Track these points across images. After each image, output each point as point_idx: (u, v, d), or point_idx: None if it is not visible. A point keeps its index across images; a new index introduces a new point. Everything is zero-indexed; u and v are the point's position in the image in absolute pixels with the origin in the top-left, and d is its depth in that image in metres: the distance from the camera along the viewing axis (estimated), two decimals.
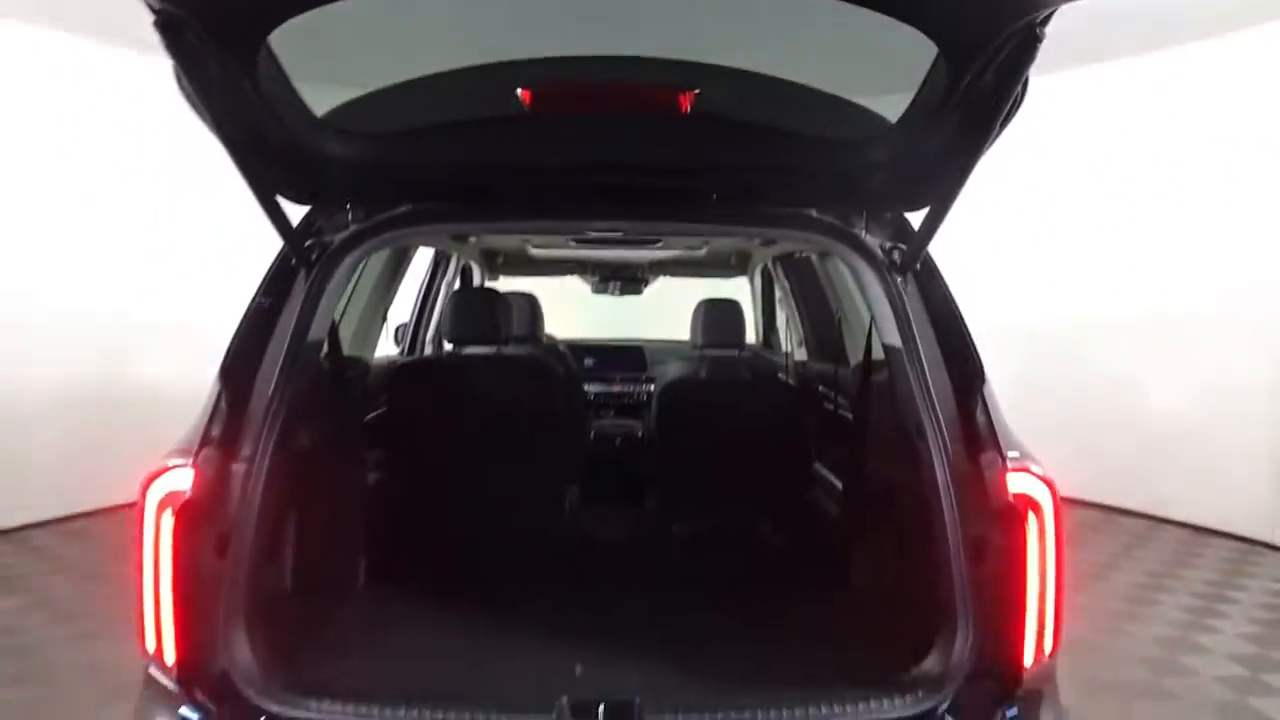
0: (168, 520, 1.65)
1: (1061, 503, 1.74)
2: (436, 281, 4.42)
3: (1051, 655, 1.73)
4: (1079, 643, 4.09)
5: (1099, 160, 6.78)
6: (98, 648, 4.00)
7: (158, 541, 1.65)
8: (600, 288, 4.81)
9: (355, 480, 2.54)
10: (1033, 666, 1.69)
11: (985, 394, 1.80)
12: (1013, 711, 1.67)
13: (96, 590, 4.83)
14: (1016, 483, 1.69)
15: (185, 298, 6.65)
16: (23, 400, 5.91)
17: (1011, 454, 1.73)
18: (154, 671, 1.72)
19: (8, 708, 3.42)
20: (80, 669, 3.76)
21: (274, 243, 1.97)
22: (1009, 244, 7.26)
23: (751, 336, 5.03)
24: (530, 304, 3.94)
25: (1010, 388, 7.33)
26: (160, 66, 1.48)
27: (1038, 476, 1.73)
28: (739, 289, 5.24)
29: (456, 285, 4.57)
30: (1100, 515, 6.69)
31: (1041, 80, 1.90)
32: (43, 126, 6.01)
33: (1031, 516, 1.68)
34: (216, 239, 6.37)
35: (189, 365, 6.59)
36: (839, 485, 2.73)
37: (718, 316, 2.92)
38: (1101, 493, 6.87)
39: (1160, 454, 6.43)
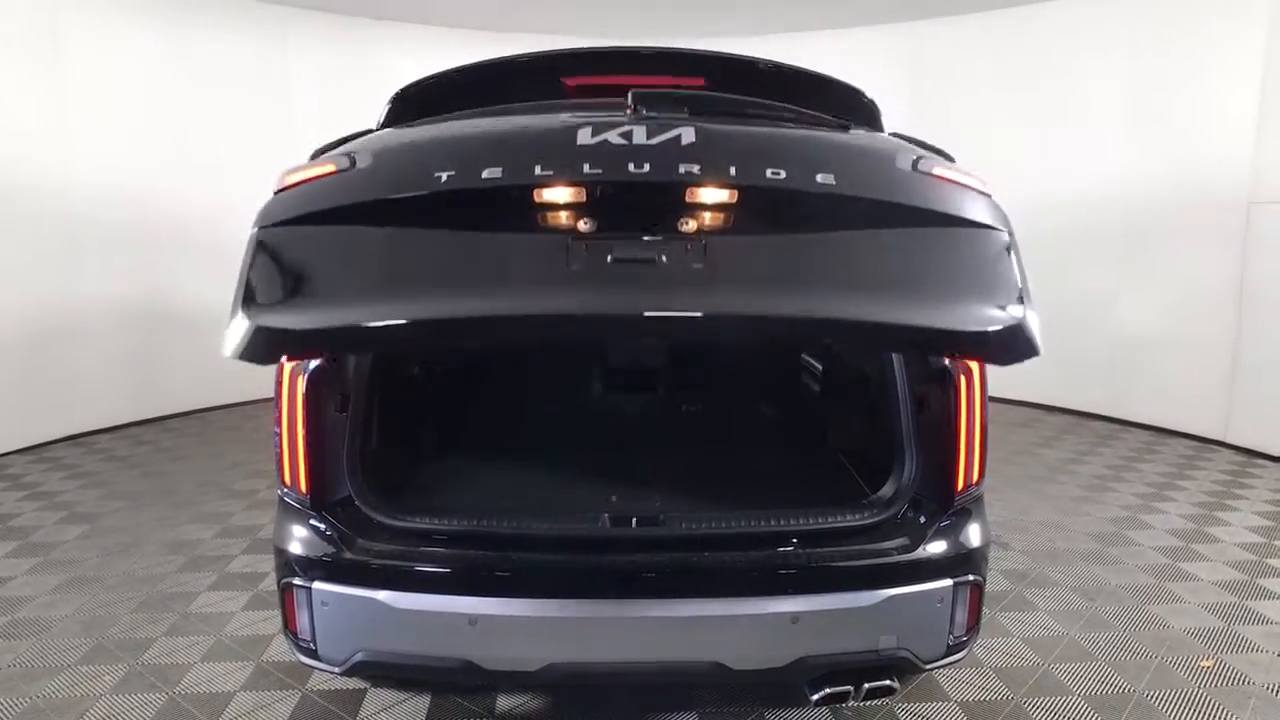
0: (301, 383, 2.15)
1: (985, 368, 2.23)
2: None
3: (977, 483, 2.25)
4: (1042, 522, 4.68)
5: (1080, 77, 7.13)
6: (177, 530, 4.59)
7: (294, 399, 2.16)
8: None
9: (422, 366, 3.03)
10: (962, 491, 2.21)
11: None
12: (946, 522, 2.20)
13: (160, 485, 5.41)
14: None
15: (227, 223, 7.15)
16: (77, 316, 6.42)
17: None
18: (287, 498, 2.24)
19: (112, 571, 4.00)
20: (163, 544, 4.34)
21: None
22: (986, 161, 7.67)
23: None
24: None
25: None
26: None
27: None
28: None
29: None
30: (1072, 420, 7.25)
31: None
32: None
33: (963, 378, 2.17)
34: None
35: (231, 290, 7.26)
36: (820, 368, 3.22)
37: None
38: (1073, 400, 7.43)
39: (1126, 362, 6.97)
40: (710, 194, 1.77)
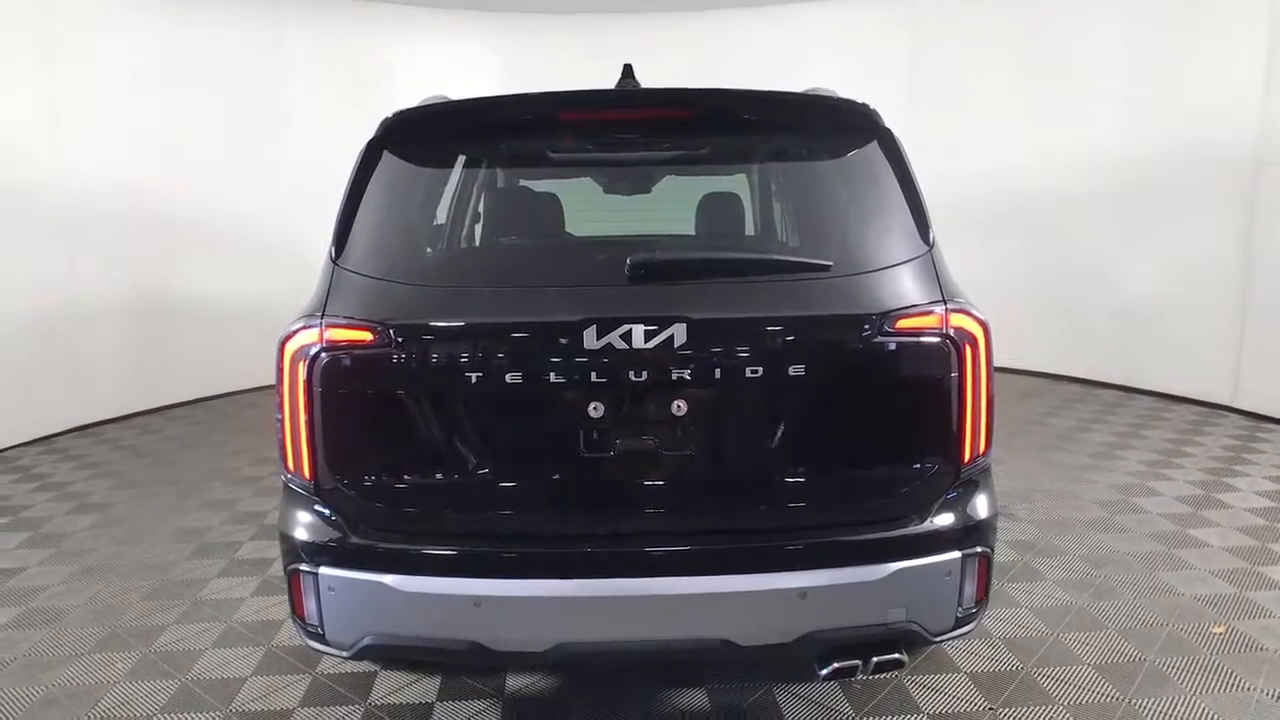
0: (303, 369, 2.13)
1: (989, 335, 2.20)
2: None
3: (984, 454, 2.23)
4: (1050, 491, 4.67)
5: (1081, 36, 7.04)
6: (184, 519, 4.61)
7: (295, 385, 2.14)
8: (611, 188, 5.19)
9: None
10: (969, 462, 2.20)
11: (934, 254, 2.25)
12: (953, 494, 2.19)
13: (168, 473, 5.42)
14: (957, 321, 2.16)
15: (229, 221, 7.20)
16: (82, 308, 6.42)
17: (956, 301, 2.18)
18: (292, 484, 2.24)
19: (123, 560, 4.02)
20: (172, 532, 4.36)
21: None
22: (985, 124, 7.66)
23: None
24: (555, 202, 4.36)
25: (1000, 270, 7.82)
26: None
27: (974, 318, 2.18)
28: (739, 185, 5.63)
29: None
30: (1081, 389, 7.22)
31: None
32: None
33: (967, 347, 2.15)
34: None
35: (229, 279, 7.22)
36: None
37: (717, 207, 3.12)
38: (1081, 368, 7.40)
39: (1132, 328, 6.93)
40: (697, 392, 2.08)
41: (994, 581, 3.50)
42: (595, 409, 2.06)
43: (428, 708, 2.74)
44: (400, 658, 2.16)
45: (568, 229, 2.71)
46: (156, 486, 5.14)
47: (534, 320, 2.07)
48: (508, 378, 2.04)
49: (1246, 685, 2.81)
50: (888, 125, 2.41)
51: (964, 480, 2.21)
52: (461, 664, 2.50)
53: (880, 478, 2.16)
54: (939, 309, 2.13)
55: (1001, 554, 3.89)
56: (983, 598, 2.23)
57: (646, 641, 2.10)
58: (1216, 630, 3.18)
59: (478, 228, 2.44)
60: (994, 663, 2.98)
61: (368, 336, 2.09)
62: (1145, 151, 6.64)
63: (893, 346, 2.10)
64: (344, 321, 2.11)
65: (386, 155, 2.33)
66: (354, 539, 2.13)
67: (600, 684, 2.87)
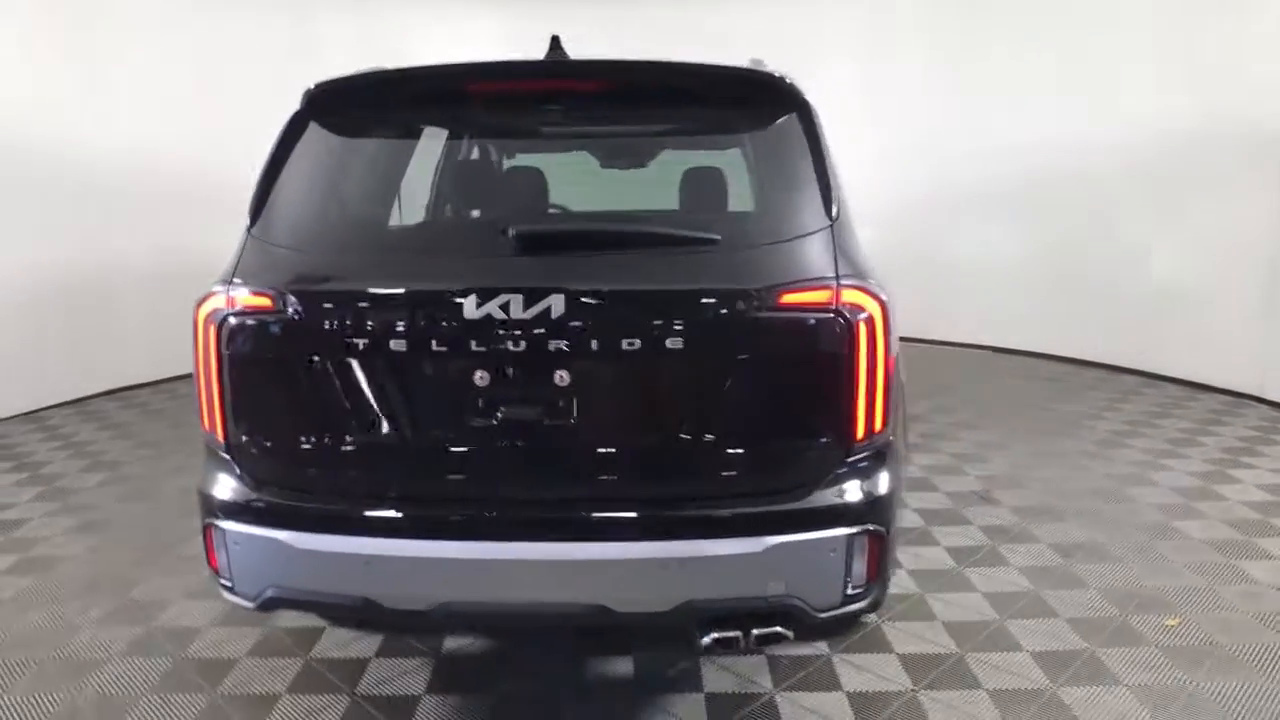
0: (213, 331, 2.23)
1: (888, 313, 2.18)
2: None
3: (880, 431, 2.21)
4: (1043, 479, 4.58)
5: (1105, 10, 6.78)
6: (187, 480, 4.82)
7: (208, 346, 2.24)
8: (608, 163, 5.19)
9: None
10: (863, 439, 2.18)
11: (836, 230, 2.22)
12: (842, 470, 2.18)
13: (186, 435, 5.67)
14: (850, 297, 2.14)
15: None
16: (119, 275, 6.71)
17: (851, 277, 2.16)
18: (209, 443, 2.34)
19: (131, 517, 4.24)
20: (176, 491, 4.57)
21: None
22: (1005, 103, 7.46)
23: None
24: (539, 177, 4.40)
25: (1024, 250, 7.60)
26: None
27: (870, 294, 2.16)
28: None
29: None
30: (1104, 374, 7.01)
31: None
32: None
33: (861, 325, 2.13)
34: None
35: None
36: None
37: (698, 182, 3.04)
38: (1107, 353, 7.18)
39: (1160, 313, 6.68)
40: (576, 363, 2.10)
41: (955, 565, 3.53)
42: (481, 377, 2.11)
43: (360, 660, 2.86)
44: (302, 610, 2.26)
45: (478, 201, 2.75)
46: (172, 447, 5.38)
47: (419, 289, 2.13)
48: (393, 345, 2.10)
49: (1183, 679, 2.74)
50: (806, 98, 2.39)
51: (856, 458, 2.20)
52: (359, 618, 2.58)
53: (761, 452, 2.17)
54: (830, 284, 2.12)
55: (969, 538, 3.84)
56: (875, 577, 2.22)
57: (525, 605, 2.16)
58: (1170, 622, 3.10)
59: (388, 198, 2.50)
60: (931, 645, 2.96)
61: (267, 303, 2.18)
62: (1177, 130, 6.36)
63: (777, 321, 2.10)
64: (247, 288, 2.20)
65: (307, 127, 2.40)
66: (258, 497, 2.23)
67: (530, 648, 2.95)
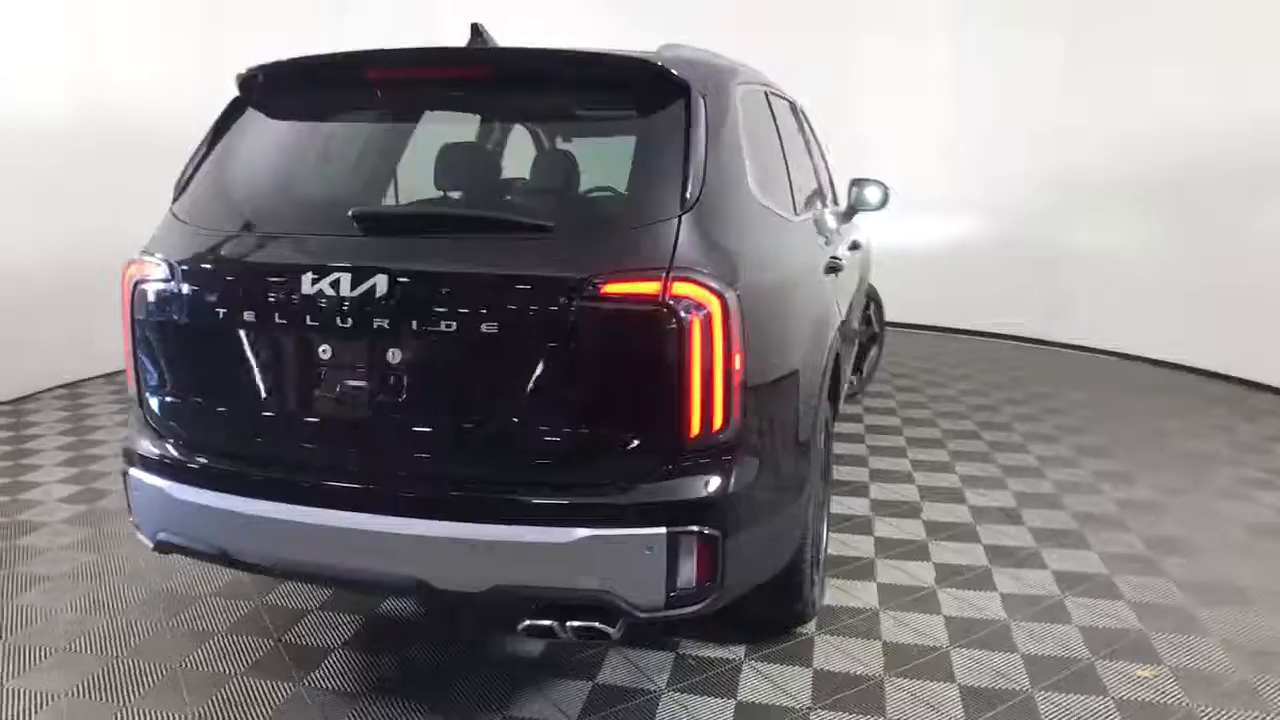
0: (129, 289, 2.44)
1: (730, 309, 2.07)
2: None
3: (718, 431, 2.10)
4: (1193, 505, 4.14)
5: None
6: None
7: (124, 308, 2.47)
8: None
9: None
10: (696, 438, 2.09)
11: (685, 221, 2.13)
12: (669, 469, 2.08)
13: None
14: (682, 290, 2.04)
15: None
16: None
17: (686, 270, 2.05)
18: (129, 391, 2.57)
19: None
20: None
21: None
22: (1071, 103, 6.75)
23: None
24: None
25: (1158, 251, 6.89)
26: None
27: (706, 288, 2.04)
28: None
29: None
30: (1243, 391, 6.22)
31: None
32: None
33: (694, 320, 2.03)
34: None
35: None
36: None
37: (548, 167, 2.90)
38: (1247, 367, 6.37)
39: None
40: (400, 341, 2.14)
41: (1011, 579, 3.26)
42: (323, 351, 2.19)
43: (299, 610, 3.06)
44: (187, 554, 2.44)
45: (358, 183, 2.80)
46: None
47: (268, 265, 2.24)
48: (248, 317, 2.23)
49: None
50: (690, 84, 2.29)
51: (687, 457, 2.10)
52: (226, 565, 2.71)
53: (580, 443, 2.11)
54: (659, 276, 2.04)
55: (1040, 570, 3.55)
56: (708, 580, 2.12)
57: (353, 570, 2.23)
58: (1142, 674, 2.75)
59: (290, 179, 2.61)
60: (858, 665, 2.79)
61: (162, 273, 2.36)
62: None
63: (599, 311, 2.04)
64: (151, 258, 2.40)
65: (236, 111, 2.58)
66: (155, 448, 2.44)
67: (443, 618, 3.04)
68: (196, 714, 2.54)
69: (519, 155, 2.98)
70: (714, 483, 2.12)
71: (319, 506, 2.18)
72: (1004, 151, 7.70)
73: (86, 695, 2.61)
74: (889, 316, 6.23)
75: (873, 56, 8.18)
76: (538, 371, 2.10)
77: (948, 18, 7.97)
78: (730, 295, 2.08)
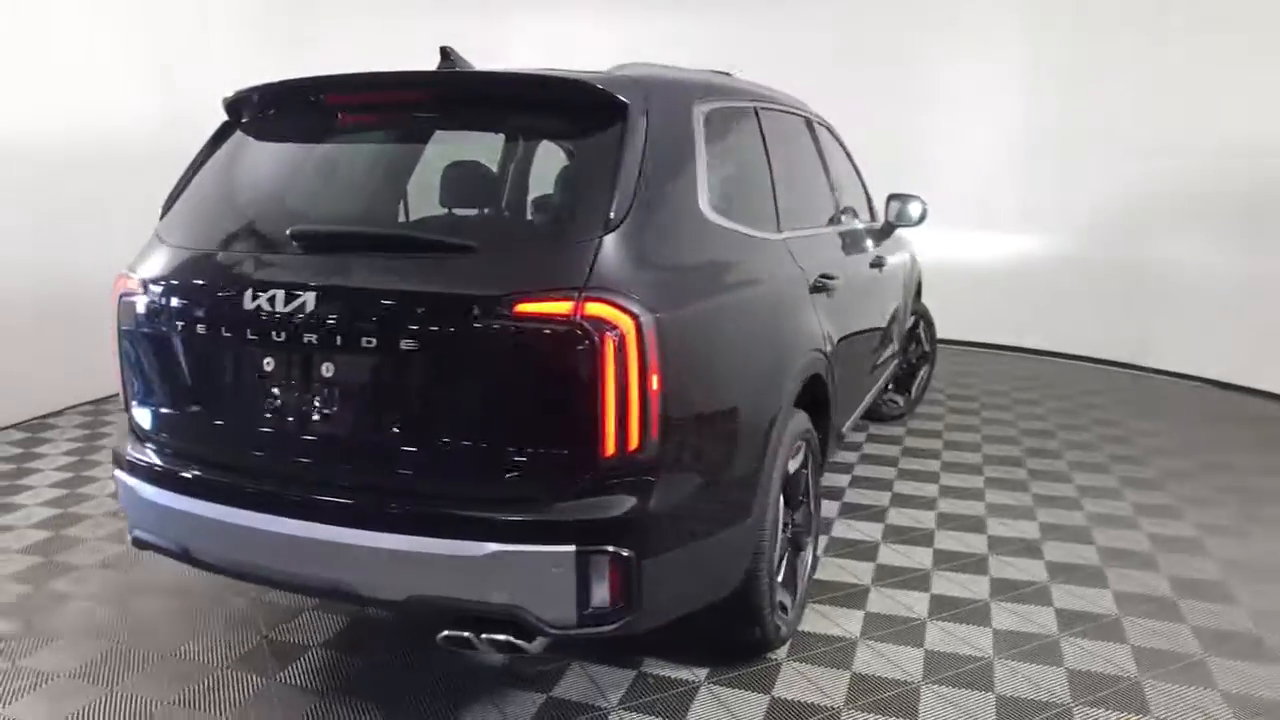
0: (115, 306, 2.63)
1: (645, 330, 2.07)
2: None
3: (632, 453, 2.10)
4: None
5: None
6: None
7: (114, 318, 2.65)
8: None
9: None
10: (611, 456, 2.09)
11: (607, 241, 2.14)
12: (582, 489, 2.09)
13: None
14: (595, 310, 2.05)
15: None
16: None
17: (599, 290, 2.06)
18: (127, 415, 2.75)
19: None
20: None
21: None
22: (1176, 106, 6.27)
23: None
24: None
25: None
26: None
27: (621, 309, 2.04)
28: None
29: None
30: None
31: None
32: None
33: (608, 340, 2.04)
34: None
35: None
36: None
37: (459, 177, 2.85)
38: None
39: None
40: (327, 357, 2.23)
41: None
42: (266, 364, 2.30)
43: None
44: (157, 551, 2.60)
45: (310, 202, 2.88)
46: None
47: (218, 281, 2.37)
48: (202, 330, 2.37)
49: None
50: (625, 105, 2.31)
51: (601, 476, 2.11)
52: (190, 564, 2.84)
53: (493, 460, 2.14)
54: (573, 297, 2.06)
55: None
56: (621, 601, 2.12)
57: (292, 574, 2.33)
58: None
59: (257, 198, 2.73)
60: (819, 695, 2.71)
61: (136, 287, 2.54)
62: None
63: (512, 330, 2.07)
64: (131, 274, 2.57)
65: (223, 133, 2.74)
66: (134, 452, 2.61)
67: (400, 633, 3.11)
68: (177, 699, 2.69)
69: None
70: (628, 503, 2.12)
71: (261, 512, 2.29)
72: (1088, 165, 7.35)
73: (83, 677, 2.82)
74: (962, 335, 5.99)
75: (948, 67, 7.95)
76: (455, 388, 2.16)
77: (1024, 24, 7.68)
78: (646, 316, 2.09)
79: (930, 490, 4.48)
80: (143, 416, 2.60)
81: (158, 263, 2.54)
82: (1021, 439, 5.41)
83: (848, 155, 4.74)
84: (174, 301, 2.46)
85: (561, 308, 2.05)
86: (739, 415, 2.48)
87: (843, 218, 4.12)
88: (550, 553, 2.07)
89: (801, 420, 2.94)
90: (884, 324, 4.49)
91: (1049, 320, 7.81)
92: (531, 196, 2.37)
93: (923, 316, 5.90)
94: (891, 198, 4.89)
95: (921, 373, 5.99)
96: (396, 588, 2.19)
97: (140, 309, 2.53)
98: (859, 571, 3.56)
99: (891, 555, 3.71)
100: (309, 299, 2.19)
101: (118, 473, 2.63)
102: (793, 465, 2.92)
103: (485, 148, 2.59)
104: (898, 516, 4.13)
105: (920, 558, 3.68)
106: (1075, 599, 3.33)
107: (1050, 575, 3.53)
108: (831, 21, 7.99)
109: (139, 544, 2.63)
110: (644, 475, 2.16)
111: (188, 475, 2.44)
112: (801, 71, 6.68)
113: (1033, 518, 4.13)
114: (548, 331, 2.06)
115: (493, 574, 2.09)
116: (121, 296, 2.60)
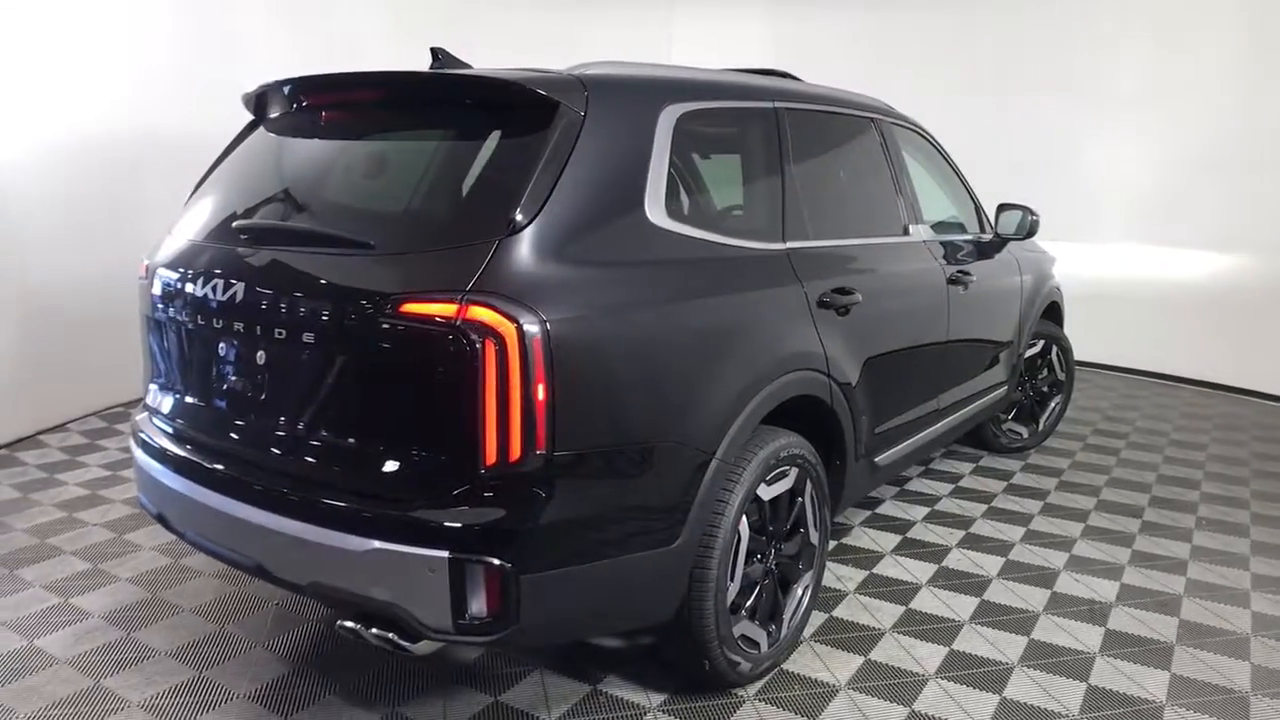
0: (138, 288, 2.90)
1: (529, 337, 2.00)
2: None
3: (514, 462, 2.03)
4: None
5: None
6: None
7: (140, 304, 2.92)
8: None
9: None
10: (489, 467, 2.03)
11: (508, 244, 2.08)
12: (459, 494, 2.05)
13: None
14: (477, 315, 1.99)
15: None
16: None
17: (486, 294, 2.01)
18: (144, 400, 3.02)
19: None
20: None
21: None
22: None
23: None
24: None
25: None
26: None
27: (502, 314, 1.98)
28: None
29: None
30: None
31: None
32: None
33: (489, 346, 1.99)
34: None
35: None
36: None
37: (396, 184, 2.76)
38: None
39: None
40: (249, 341, 2.36)
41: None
42: (220, 349, 2.44)
43: None
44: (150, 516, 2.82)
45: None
46: None
47: (184, 270, 2.54)
48: (173, 314, 2.58)
49: None
50: (557, 104, 2.25)
51: (482, 484, 2.06)
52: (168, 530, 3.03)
53: (376, 457, 2.14)
54: (456, 299, 2.02)
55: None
56: (499, 613, 2.07)
57: (225, 549, 2.45)
58: None
59: (248, 192, 2.85)
60: None
61: (142, 272, 2.78)
62: None
63: (396, 330, 2.06)
64: (146, 261, 2.82)
65: (246, 131, 2.94)
66: (142, 423, 2.86)
67: None
68: (179, 646, 2.94)
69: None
70: (508, 514, 2.07)
71: (209, 490, 2.44)
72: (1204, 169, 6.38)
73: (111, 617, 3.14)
74: (1140, 364, 5.33)
75: (1128, 71, 7.13)
76: (349, 385, 2.20)
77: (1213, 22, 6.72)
78: (533, 324, 2.02)
79: (1013, 534, 4.03)
80: (148, 391, 2.85)
81: (159, 251, 2.77)
82: (1154, 486, 4.74)
83: (948, 161, 4.36)
84: (157, 288, 2.68)
85: (444, 310, 2.03)
86: (662, 433, 2.33)
87: (919, 229, 3.78)
88: (425, 556, 2.06)
89: (788, 443, 2.73)
90: (965, 347, 4.08)
91: (1248, 353, 6.81)
92: (444, 197, 2.35)
93: (1056, 341, 5.31)
94: (999, 208, 4.44)
95: (1053, 403, 5.40)
96: (300, 573, 2.26)
97: (142, 294, 2.78)
98: (883, 614, 3.26)
99: (929, 601, 3.37)
100: (239, 289, 2.32)
101: (131, 442, 2.90)
102: (771, 491, 2.72)
103: (430, 146, 2.61)
104: (957, 559, 3.74)
105: (961, 608, 3.32)
106: (1119, 679, 2.87)
107: (1104, 646, 3.06)
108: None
109: (142, 506, 2.88)
110: (530, 487, 2.09)
111: (164, 447, 2.65)
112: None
113: (1117, 577, 3.60)
114: (431, 333, 2.05)
115: (374, 570, 2.11)
116: (140, 280, 2.86)
